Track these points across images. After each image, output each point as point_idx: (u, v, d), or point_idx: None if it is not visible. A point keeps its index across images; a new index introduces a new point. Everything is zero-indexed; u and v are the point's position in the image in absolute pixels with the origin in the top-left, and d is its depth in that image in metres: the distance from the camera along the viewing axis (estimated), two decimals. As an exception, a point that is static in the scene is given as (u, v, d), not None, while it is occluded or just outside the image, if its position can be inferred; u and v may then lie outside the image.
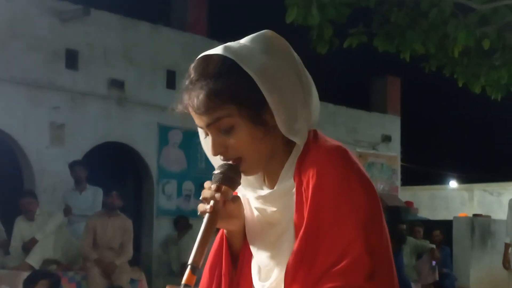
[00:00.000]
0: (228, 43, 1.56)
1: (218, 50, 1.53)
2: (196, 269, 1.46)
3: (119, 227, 7.75)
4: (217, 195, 1.51)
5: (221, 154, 1.55)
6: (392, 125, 15.80)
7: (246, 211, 1.66)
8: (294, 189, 1.52)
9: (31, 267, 7.16)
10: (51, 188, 9.57)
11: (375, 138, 15.30)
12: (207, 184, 1.55)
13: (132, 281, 7.96)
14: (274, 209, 1.58)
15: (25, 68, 9.65)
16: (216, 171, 1.54)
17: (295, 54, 1.59)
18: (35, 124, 9.75)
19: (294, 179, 1.53)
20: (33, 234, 7.64)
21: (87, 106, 10.36)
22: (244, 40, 1.58)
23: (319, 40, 7.50)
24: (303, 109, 1.54)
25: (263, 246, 1.62)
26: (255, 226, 1.64)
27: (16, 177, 9.88)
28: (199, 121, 1.54)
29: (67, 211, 8.46)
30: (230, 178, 1.53)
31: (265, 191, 1.60)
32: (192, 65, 1.56)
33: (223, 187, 1.52)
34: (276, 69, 1.51)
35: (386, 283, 1.48)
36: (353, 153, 1.56)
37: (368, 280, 1.42)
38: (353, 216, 1.45)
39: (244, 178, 1.58)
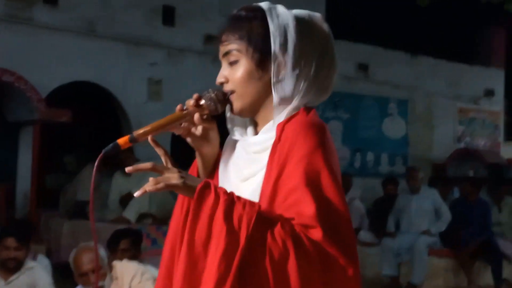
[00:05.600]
0: (279, 6, 1.83)
1: (265, 4, 1.81)
2: (134, 141, 1.73)
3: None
4: (192, 102, 1.80)
5: (221, 84, 1.83)
6: (495, 78, 15.10)
7: (226, 152, 1.89)
8: (272, 143, 1.74)
9: (127, 221, 7.30)
10: (148, 143, 9.70)
11: (476, 92, 14.69)
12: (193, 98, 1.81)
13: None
14: (253, 155, 1.80)
15: (124, 25, 9.77)
16: (208, 90, 1.80)
17: (329, 44, 1.84)
18: (134, 80, 9.89)
19: (276, 134, 1.75)
20: (130, 189, 7.79)
21: (184, 61, 10.41)
22: (294, 11, 1.83)
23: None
24: (304, 84, 1.79)
25: (232, 185, 1.80)
26: (229, 166, 1.86)
27: (116, 132, 10.08)
28: (220, 52, 1.83)
29: None
30: (213, 100, 1.78)
31: (251, 138, 1.85)
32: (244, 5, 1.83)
33: (203, 103, 1.79)
34: (299, 47, 1.77)
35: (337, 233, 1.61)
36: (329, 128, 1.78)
37: (315, 219, 1.58)
38: (312, 180, 1.64)
39: (240, 125, 1.87)
